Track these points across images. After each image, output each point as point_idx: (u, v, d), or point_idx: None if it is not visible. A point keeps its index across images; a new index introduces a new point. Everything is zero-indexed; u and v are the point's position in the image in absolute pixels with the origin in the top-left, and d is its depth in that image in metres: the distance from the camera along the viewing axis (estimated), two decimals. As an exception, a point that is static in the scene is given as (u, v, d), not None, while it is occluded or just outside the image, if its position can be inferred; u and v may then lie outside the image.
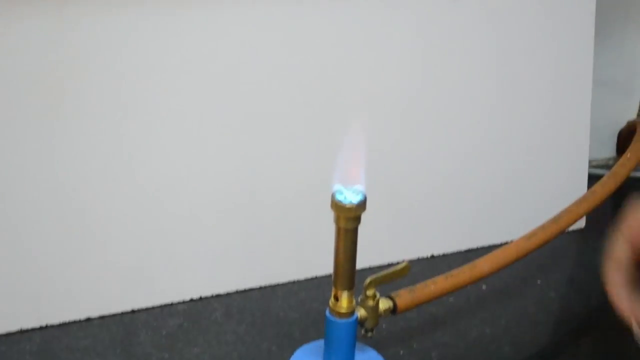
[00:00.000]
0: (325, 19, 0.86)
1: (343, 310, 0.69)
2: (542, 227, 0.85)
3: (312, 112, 0.88)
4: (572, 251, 1.01)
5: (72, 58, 0.78)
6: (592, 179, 1.01)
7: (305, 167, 0.88)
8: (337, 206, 0.65)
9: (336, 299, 0.69)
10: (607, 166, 1.18)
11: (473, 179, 0.97)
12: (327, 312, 0.70)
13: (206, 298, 0.89)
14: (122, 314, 0.86)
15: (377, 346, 0.75)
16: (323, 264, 0.90)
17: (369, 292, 0.72)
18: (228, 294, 0.89)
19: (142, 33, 0.80)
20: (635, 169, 1.04)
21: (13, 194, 0.80)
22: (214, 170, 0.86)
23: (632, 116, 1.21)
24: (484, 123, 0.96)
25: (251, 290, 0.90)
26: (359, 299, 0.72)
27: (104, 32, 0.79)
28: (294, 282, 0.92)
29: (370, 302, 0.72)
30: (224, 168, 0.86)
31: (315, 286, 0.91)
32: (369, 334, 0.74)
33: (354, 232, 0.66)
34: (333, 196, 0.65)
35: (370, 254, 0.92)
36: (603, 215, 1.06)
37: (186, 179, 0.85)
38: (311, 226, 0.90)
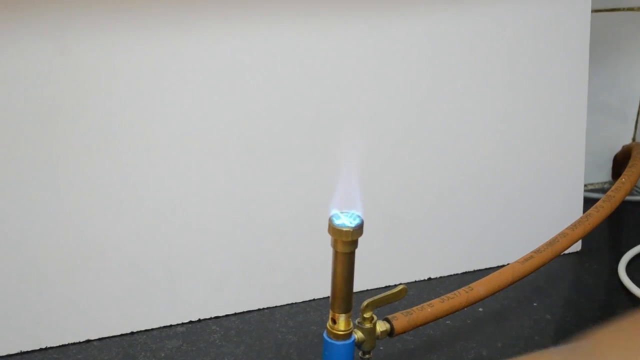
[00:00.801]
0: (328, 36, 0.87)
1: (340, 333, 0.70)
2: (538, 251, 0.86)
3: (310, 136, 0.88)
4: (568, 274, 1.01)
5: (73, 82, 0.79)
6: (588, 203, 1.02)
7: (303, 191, 0.89)
8: (334, 230, 0.66)
9: (334, 321, 0.70)
10: (603, 190, 1.19)
11: (469, 203, 0.98)
12: (325, 335, 0.70)
13: (205, 320, 0.89)
14: (121, 335, 0.86)
15: (374, 368, 0.76)
16: (321, 286, 0.91)
17: (366, 315, 0.73)
18: (227, 316, 0.90)
19: (142, 56, 0.81)
20: (631, 193, 1.05)
21: (12, 217, 0.80)
22: (212, 193, 0.87)
23: (627, 141, 1.22)
24: (480, 148, 0.97)
25: (249, 312, 0.91)
26: (357, 322, 0.73)
27: (105, 57, 0.80)
28: (292, 305, 0.92)
29: (368, 325, 0.73)
30: (223, 191, 0.87)
31: (313, 308, 0.91)
32: (367, 357, 0.74)
33: (351, 255, 0.67)
34: (330, 220, 0.66)
35: (367, 276, 0.93)
36: (599, 238, 1.07)
37: (185, 202, 0.86)
38: (309, 249, 0.90)
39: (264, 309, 0.91)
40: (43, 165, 0.80)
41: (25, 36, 0.77)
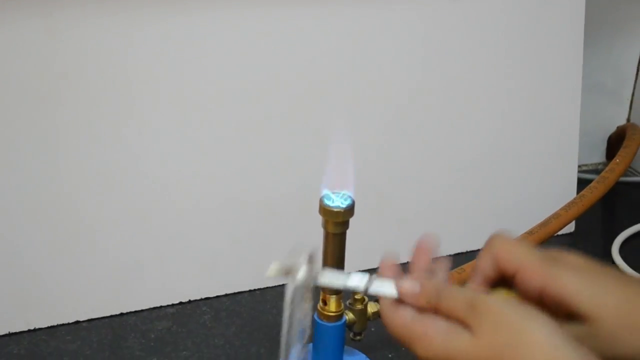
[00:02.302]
0: (322, 23, 0.86)
1: (331, 314, 0.69)
2: (531, 232, 0.85)
3: (302, 117, 0.88)
4: (561, 255, 1.01)
5: (64, 62, 0.78)
6: (582, 184, 1.01)
7: (294, 171, 0.89)
8: (325, 211, 0.65)
9: (324, 302, 0.69)
10: (597, 171, 1.18)
11: (462, 184, 0.97)
12: (316, 316, 0.70)
13: (195, 301, 0.89)
14: (111, 317, 0.86)
15: (366, 349, 0.75)
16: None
17: (357, 296, 0.73)
18: (217, 297, 0.89)
19: (134, 36, 0.80)
20: (625, 174, 1.04)
21: (2, 197, 0.80)
22: (203, 173, 0.86)
23: (622, 121, 1.22)
24: (473, 129, 0.96)
25: (240, 293, 0.90)
26: (348, 303, 0.72)
27: (93, 37, 0.79)
28: (282, 286, 0.91)
29: (359, 306, 0.73)
30: (213, 172, 0.86)
31: (304, 290, 0.91)
32: (358, 338, 0.74)
33: (342, 236, 0.67)
34: (321, 201, 0.65)
35: (359, 257, 0.92)
36: (592, 219, 1.07)
37: (175, 183, 0.85)
38: (300, 229, 0.89)
39: (255, 290, 0.91)
40: (30, 146, 0.79)
41: (12, 15, 0.76)
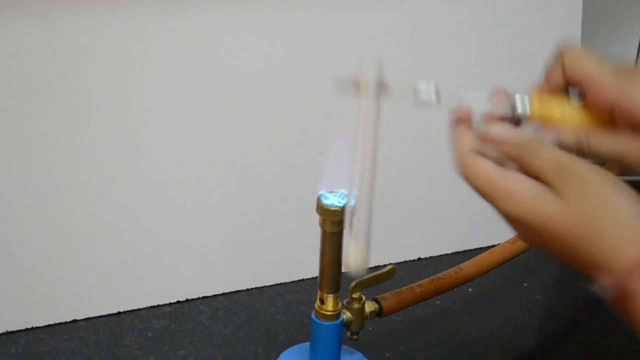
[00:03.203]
0: (316, 23, 0.86)
1: (329, 313, 0.69)
2: (528, 231, 0.85)
3: (298, 117, 0.88)
4: (558, 254, 1.01)
5: (62, 60, 0.78)
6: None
7: (292, 171, 0.88)
8: (322, 210, 0.65)
9: (322, 301, 0.69)
10: (594, 169, 1.18)
11: (459, 182, 0.97)
12: (313, 315, 0.70)
13: (192, 300, 0.89)
14: (108, 315, 0.85)
15: (363, 349, 0.75)
16: (310, 266, 0.90)
17: (355, 295, 0.72)
18: (215, 296, 0.89)
19: (132, 34, 0.80)
20: (624, 172, 1.04)
21: (-1, 195, 0.80)
22: (200, 173, 0.86)
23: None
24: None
25: (238, 292, 0.90)
26: (345, 302, 0.72)
27: (91, 36, 0.79)
28: (280, 285, 0.92)
29: (356, 305, 0.72)
30: (211, 171, 0.86)
31: (301, 288, 0.91)
32: (355, 337, 0.74)
33: (340, 235, 0.67)
34: (319, 200, 0.65)
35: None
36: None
37: (173, 182, 0.85)
38: (298, 228, 0.90)
39: (252, 289, 0.91)
40: (27, 144, 0.79)
41: (10, 14, 0.76)
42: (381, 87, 0.56)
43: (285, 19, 0.85)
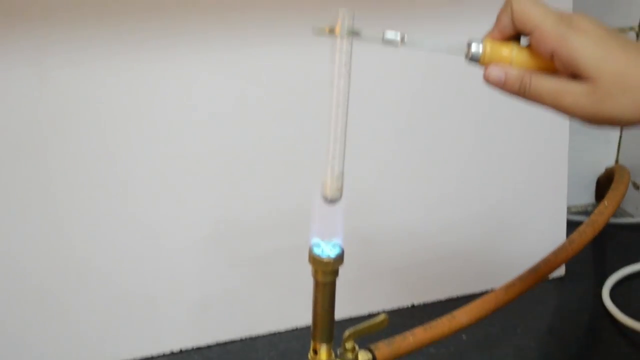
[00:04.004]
0: (311, 62, 0.87)
1: (322, 364, 0.69)
2: (521, 278, 0.85)
3: (291, 165, 0.88)
4: (551, 299, 1.01)
5: (53, 111, 0.79)
6: (572, 225, 1.01)
7: (284, 219, 0.89)
8: (314, 260, 0.65)
9: (315, 352, 0.69)
10: (586, 212, 1.19)
11: (452, 228, 0.98)
12: (306, 365, 0.69)
13: (187, 351, 0.88)
14: (102, 367, 0.85)
15: (357, 399, 0.75)
16: (303, 314, 0.90)
17: (348, 345, 0.72)
18: (208, 347, 0.89)
19: (122, 81, 0.80)
20: (614, 215, 1.04)
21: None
22: (193, 220, 0.86)
23: (610, 163, 1.22)
24: (461, 172, 0.97)
25: (232, 342, 0.90)
26: (338, 352, 0.72)
27: (84, 83, 0.79)
28: (274, 334, 0.91)
29: (350, 355, 0.72)
30: (204, 219, 0.86)
31: (295, 337, 0.91)
32: (349, 387, 0.73)
33: (332, 285, 0.66)
34: (310, 250, 0.65)
35: (350, 303, 0.92)
36: (582, 262, 1.06)
37: (165, 231, 0.85)
38: (291, 277, 0.89)
39: (245, 338, 0.90)
40: (21, 194, 0.79)
41: (4, 62, 0.76)
42: (353, 31, 0.61)
43: (283, 54, 0.85)
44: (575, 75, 0.59)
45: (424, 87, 0.92)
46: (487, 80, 0.62)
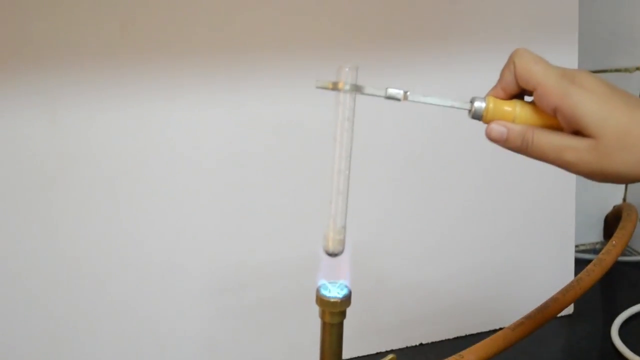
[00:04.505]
0: (318, 108, 0.87)
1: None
2: (529, 317, 0.85)
3: (299, 207, 0.88)
4: (560, 338, 1.00)
5: (63, 150, 0.79)
6: (580, 264, 1.01)
7: (291, 259, 0.89)
8: (321, 301, 0.65)
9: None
10: (595, 250, 1.19)
11: (460, 268, 0.97)
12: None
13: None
14: (110, 406, 0.85)
15: None
16: (312, 356, 0.90)
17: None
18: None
19: (130, 123, 0.81)
20: (622, 253, 1.04)
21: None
22: (201, 260, 0.86)
23: (618, 201, 1.22)
24: (468, 211, 0.97)
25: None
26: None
27: (94, 125, 0.80)
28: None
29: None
30: (210, 260, 0.87)
31: (304, 378, 0.90)
32: None
33: (340, 326, 0.66)
34: (318, 291, 0.65)
35: (358, 342, 0.92)
36: (591, 300, 1.06)
37: (172, 270, 0.85)
38: (297, 322, 0.89)
39: (253, 381, 0.90)
40: (33, 230, 0.80)
41: (16, 106, 0.77)
42: (356, 86, 0.61)
43: (278, 106, 0.86)
44: (578, 132, 0.60)
45: (425, 133, 0.93)
46: (489, 137, 0.63)
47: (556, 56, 0.64)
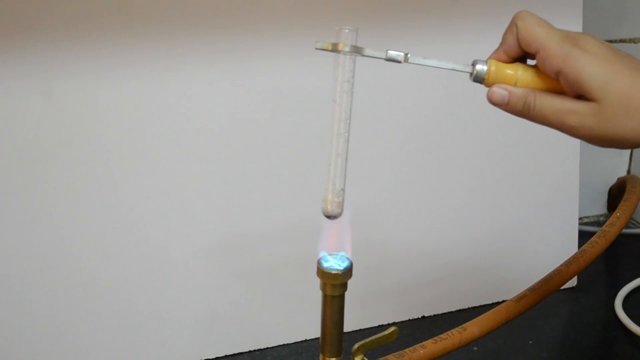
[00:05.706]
0: (317, 74, 0.86)
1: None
2: (532, 289, 0.85)
3: (299, 176, 0.88)
4: (563, 310, 1.00)
5: (57, 124, 0.78)
6: (584, 236, 1.01)
7: (294, 230, 0.88)
8: (323, 273, 0.64)
9: (324, 368, 0.68)
10: (599, 223, 1.18)
11: (463, 240, 0.97)
12: (315, 381, 0.69)
13: (195, 363, 0.88)
14: (110, 380, 0.85)
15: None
16: (313, 327, 0.90)
17: (357, 358, 0.71)
18: (216, 359, 0.88)
19: (126, 95, 0.80)
20: (626, 225, 1.04)
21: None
22: (201, 233, 0.86)
23: (622, 173, 1.22)
24: (472, 184, 0.96)
25: (240, 354, 0.89)
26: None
27: (88, 97, 0.79)
28: (283, 346, 0.91)
29: (359, 372, 0.71)
30: (212, 231, 0.86)
31: (305, 349, 0.90)
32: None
33: (341, 298, 0.66)
34: (319, 263, 0.65)
35: (359, 316, 0.91)
36: (594, 272, 1.06)
37: (174, 243, 0.85)
38: (300, 289, 0.89)
39: (254, 350, 0.90)
40: (28, 208, 0.79)
41: (9, 79, 0.76)
42: (356, 48, 0.61)
43: (287, 70, 0.85)
44: (580, 95, 0.59)
45: (433, 101, 0.92)
46: (490, 100, 0.62)
47: (560, 27, 0.63)
